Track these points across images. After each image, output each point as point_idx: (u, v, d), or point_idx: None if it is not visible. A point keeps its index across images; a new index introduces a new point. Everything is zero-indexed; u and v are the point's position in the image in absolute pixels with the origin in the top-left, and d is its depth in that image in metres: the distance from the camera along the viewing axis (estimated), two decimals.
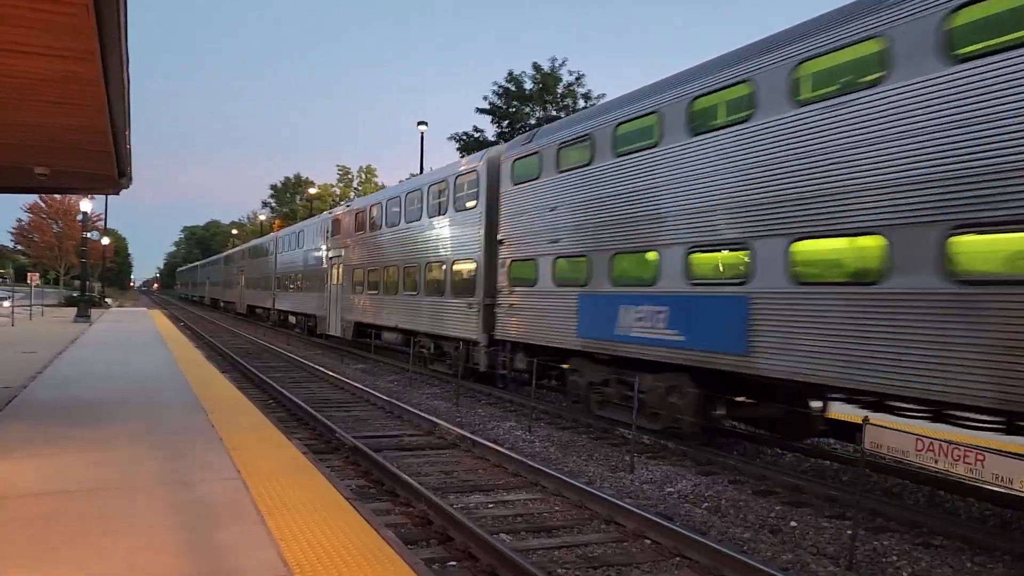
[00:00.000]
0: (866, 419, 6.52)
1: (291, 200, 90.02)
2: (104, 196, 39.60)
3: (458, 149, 37.52)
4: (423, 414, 12.20)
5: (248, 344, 28.19)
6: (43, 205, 68.03)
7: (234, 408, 9.96)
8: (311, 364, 20.30)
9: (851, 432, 9.57)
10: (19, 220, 71.36)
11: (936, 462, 5.84)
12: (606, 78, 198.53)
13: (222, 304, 62.12)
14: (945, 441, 5.84)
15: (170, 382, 12.34)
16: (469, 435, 10.49)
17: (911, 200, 7.20)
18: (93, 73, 6.54)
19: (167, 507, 5.40)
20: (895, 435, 6.27)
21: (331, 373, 18.01)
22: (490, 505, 7.68)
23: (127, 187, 13.38)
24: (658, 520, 6.76)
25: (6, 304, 33.98)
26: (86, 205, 32.99)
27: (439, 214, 18.28)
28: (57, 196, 62.64)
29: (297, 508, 5.44)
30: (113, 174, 11.86)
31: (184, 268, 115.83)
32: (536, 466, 8.71)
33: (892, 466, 8.99)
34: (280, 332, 34.93)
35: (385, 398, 13.90)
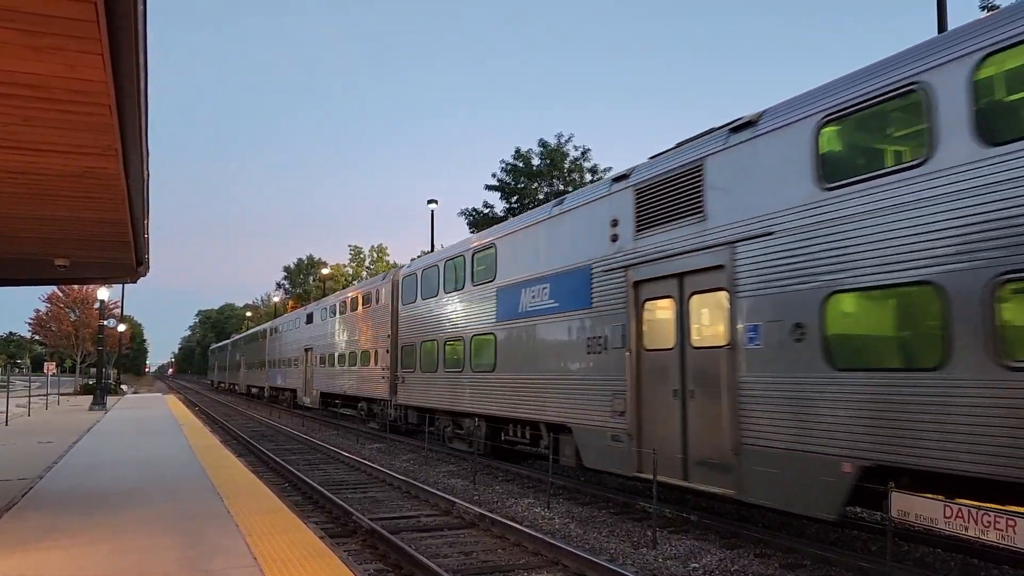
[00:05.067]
0: (891, 485, 6.40)
1: (304, 281, 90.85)
2: (121, 284, 40.30)
3: (468, 225, 38.03)
4: (440, 493, 12.03)
5: (262, 427, 28.06)
6: (61, 295, 68.78)
7: (249, 492, 9.87)
8: (326, 445, 20.15)
9: (879, 500, 9.34)
10: (37, 310, 72.07)
11: (966, 529, 5.70)
12: (613, 150, 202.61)
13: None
14: (974, 507, 5.72)
15: (185, 468, 12.27)
16: (487, 513, 10.31)
17: None
18: (115, 168, 6.78)
19: None
20: (923, 502, 6.14)
21: (346, 454, 17.86)
22: None
23: (144, 275, 13.65)
24: None
25: None
26: (103, 293, 33.43)
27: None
28: (75, 285, 63.45)
29: None
30: (132, 263, 12.12)
31: (222, 344, 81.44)
32: (557, 544, 8.54)
33: (922, 534, 8.74)
34: (296, 415, 34.83)
35: (401, 478, 13.74)
